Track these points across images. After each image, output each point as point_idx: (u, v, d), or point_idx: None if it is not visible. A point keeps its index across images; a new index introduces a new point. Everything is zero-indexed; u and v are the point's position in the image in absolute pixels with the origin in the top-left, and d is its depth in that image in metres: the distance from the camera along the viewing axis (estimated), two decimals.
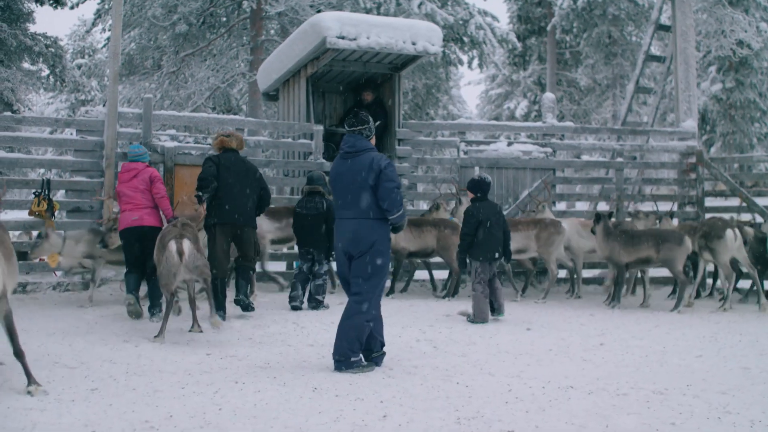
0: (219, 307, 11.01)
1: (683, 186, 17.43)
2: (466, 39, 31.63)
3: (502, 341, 10.18)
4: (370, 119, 8.70)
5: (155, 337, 9.68)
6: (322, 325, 11.01)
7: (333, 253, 11.80)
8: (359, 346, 8.32)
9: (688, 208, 17.26)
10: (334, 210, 8.65)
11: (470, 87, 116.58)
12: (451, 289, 14.55)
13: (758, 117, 41.95)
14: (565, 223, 14.57)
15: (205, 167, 11.32)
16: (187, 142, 15.34)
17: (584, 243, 14.95)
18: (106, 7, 30.11)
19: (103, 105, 15.09)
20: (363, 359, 8.38)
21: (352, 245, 8.36)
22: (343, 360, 8.22)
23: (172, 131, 15.95)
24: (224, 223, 11.39)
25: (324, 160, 15.54)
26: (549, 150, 16.89)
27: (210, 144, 14.38)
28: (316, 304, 12.77)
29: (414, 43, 15.59)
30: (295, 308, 12.61)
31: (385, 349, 8.61)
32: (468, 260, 12.41)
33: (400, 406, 6.83)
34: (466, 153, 16.51)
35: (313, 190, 13.16)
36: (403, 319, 11.49)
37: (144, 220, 11.67)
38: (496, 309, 12.32)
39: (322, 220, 12.93)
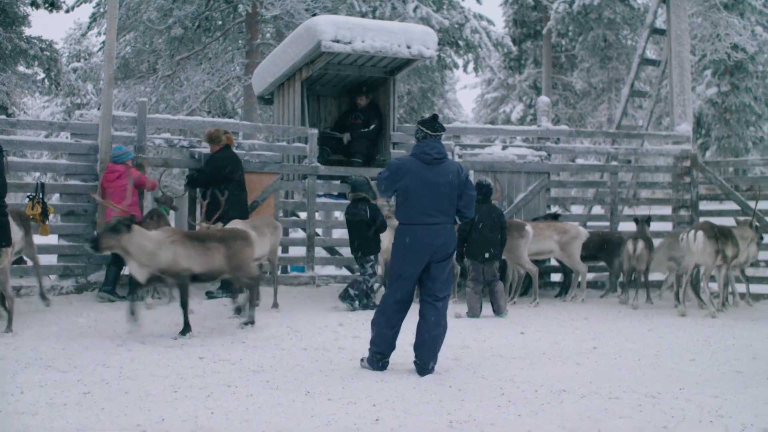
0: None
1: (678, 190, 17.44)
2: (461, 43, 31.61)
3: (496, 344, 10.20)
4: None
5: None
6: (316, 328, 11.00)
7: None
8: None
9: (683, 212, 17.27)
10: (407, 213, 8.53)
11: (466, 91, 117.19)
12: None
13: (753, 121, 42.01)
14: (528, 226, 14.58)
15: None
16: (182, 146, 15.34)
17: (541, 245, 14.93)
18: (102, 10, 30.09)
19: (98, 108, 15.04)
20: None
21: (441, 250, 8.45)
22: (433, 366, 8.42)
23: (167, 135, 15.96)
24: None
25: (318, 164, 15.55)
26: (544, 154, 16.88)
27: (203, 146, 14.47)
28: (344, 295, 13.28)
29: (409, 47, 15.59)
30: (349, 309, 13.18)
31: None
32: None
33: (392, 410, 6.83)
34: (461, 157, 16.49)
35: (356, 197, 13.45)
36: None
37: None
38: (495, 310, 13.07)
39: (364, 227, 13.30)
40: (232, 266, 10.64)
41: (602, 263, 16.28)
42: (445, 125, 15.68)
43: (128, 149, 13.68)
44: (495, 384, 7.84)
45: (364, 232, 13.22)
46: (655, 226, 16.08)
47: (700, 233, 13.37)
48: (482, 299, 13.18)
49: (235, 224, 12.11)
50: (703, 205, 18.02)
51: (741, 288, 15.44)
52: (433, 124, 8.63)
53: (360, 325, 11.01)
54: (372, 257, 13.44)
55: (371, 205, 13.35)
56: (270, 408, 6.81)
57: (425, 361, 8.32)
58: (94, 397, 7.04)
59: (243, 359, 8.91)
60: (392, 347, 8.53)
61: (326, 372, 8.29)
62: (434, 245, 8.37)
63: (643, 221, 15.00)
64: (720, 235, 13.57)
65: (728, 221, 15.57)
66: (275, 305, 12.80)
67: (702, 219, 16.57)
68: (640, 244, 14.56)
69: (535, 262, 14.82)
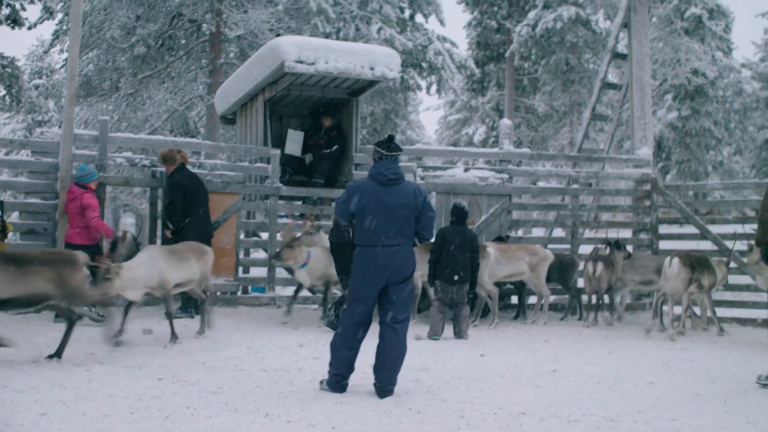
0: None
1: (638, 213, 17.54)
2: (424, 64, 31.74)
3: (456, 367, 10.20)
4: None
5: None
6: (276, 349, 10.97)
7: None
8: None
9: (643, 235, 17.37)
10: (365, 236, 8.56)
11: (429, 112, 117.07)
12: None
13: (713, 145, 42.47)
14: (491, 248, 14.62)
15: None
16: (143, 165, 15.28)
17: (501, 269, 14.95)
18: (65, 27, 29.95)
19: (60, 126, 14.98)
20: None
21: (399, 272, 8.44)
22: (393, 388, 8.40)
23: (128, 154, 15.86)
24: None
25: (281, 185, 15.51)
26: (506, 176, 16.92)
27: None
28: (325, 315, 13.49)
29: (372, 68, 15.61)
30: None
31: None
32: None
33: (351, 431, 6.82)
34: (422, 178, 16.51)
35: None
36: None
37: (73, 238, 12.82)
38: (456, 333, 13.12)
39: (350, 248, 13.13)
40: (61, 292, 9.98)
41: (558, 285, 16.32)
42: (407, 147, 15.72)
43: (92, 169, 13.38)
44: (455, 407, 7.84)
45: (348, 255, 13.14)
46: None
47: (676, 260, 13.59)
48: (445, 320, 13.20)
49: (150, 249, 11.86)
50: (663, 229, 18.14)
51: (699, 311, 15.51)
52: (389, 145, 8.63)
53: (320, 346, 10.97)
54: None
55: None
56: (229, 430, 6.78)
57: (385, 383, 8.30)
58: (51, 419, 6.98)
59: (202, 380, 8.85)
60: (351, 369, 8.50)
61: (286, 394, 8.26)
62: (392, 267, 8.36)
63: (614, 245, 15.13)
64: (696, 264, 13.77)
65: (688, 245, 15.72)
66: (201, 331, 12.00)
67: (670, 243, 16.82)
68: (600, 266, 14.68)
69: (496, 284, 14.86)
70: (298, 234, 13.62)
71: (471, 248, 13.26)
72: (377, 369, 8.39)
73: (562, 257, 15.94)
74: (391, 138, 8.78)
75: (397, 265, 8.40)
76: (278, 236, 15.32)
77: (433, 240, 12.18)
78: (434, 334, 12.87)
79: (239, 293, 15.77)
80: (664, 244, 17.17)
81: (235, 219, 15.17)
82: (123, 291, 10.67)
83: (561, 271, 15.69)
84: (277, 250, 13.71)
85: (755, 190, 19.30)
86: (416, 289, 14.19)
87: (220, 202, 14.80)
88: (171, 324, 11.36)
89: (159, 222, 14.75)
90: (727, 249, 15.63)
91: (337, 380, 8.43)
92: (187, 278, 11.81)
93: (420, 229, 8.59)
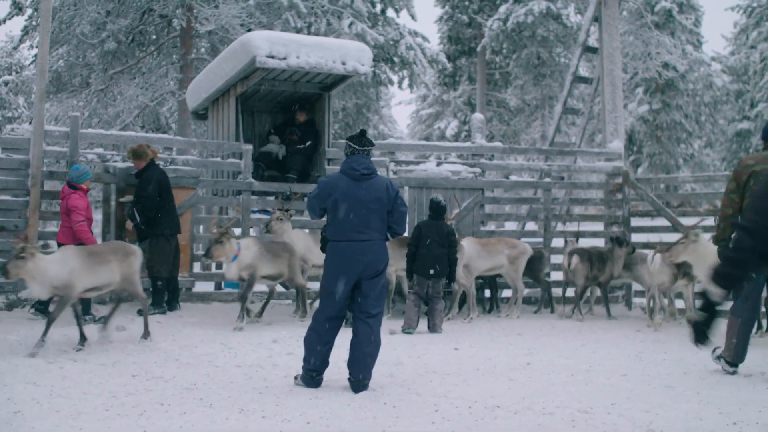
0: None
1: (610, 206, 17.60)
2: (396, 59, 31.76)
3: (430, 361, 10.21)
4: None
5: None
6: (250, 345, 10.95)
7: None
8: None
9: (615, 228, 17.45)
10: (337, 230, 8.52)
11: (401, 107, 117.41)
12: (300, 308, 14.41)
13: (684, 138, 42.79)
14: (464, 242, 14.66)
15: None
16: (115, 161, 15.20)
17: (482, 263, 15.02)
18: (34, 23, 29.75)
19: (30, 123, 14.88)
20: None
21: (371, 266, 8.42)
22: (367, 383, 8.41)
23: (100, 150, 15.79)
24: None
25: (253, 180, 15.47)
26: (478, 170, 16.93)
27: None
28: None
29: (344, 63, 15.60)
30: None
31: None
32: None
33: (326, 427, 6.82)
34: (395, 173, 16.52)
35: None
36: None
37: (59, 237, 12.87)
38: (430, 327, 13.13)
39: None
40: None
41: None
42: (380, 141, 15.72)
43: (85, 169, 13.05)
44: (429, 400, 7.85)
45: None
46: (585, 242, 16.32)
47: (658, 256, 13.71)
48: (420, 314, 13.24)
49: (66, 249, 10.81)
50: (635, 222, 18.21)
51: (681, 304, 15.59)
52: (360, 140, 8.64)
53: (294, 341, 10.97)
54: None
55: None
56: (203, 426, 6.76)
57: (359, 378, 8.31)
58: (25, 416, 6.94)
59: (176, 377, 8.83)
60: (326, 364, 8.50)
61: (260, 389, 8.24)
62: (363, 261, 8.37)
63: (615, 240, 15.25)
64: None
65: (660, 237, 15.82)
66: (146, 335, 11.21)
67: (642, 236, 16.94)
68: (575, 259, 14.75)
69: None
70: (224, 227, 13.10)
71: (448, 243, 13.28)
72: (351, 364, 8.39)
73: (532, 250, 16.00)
74: (363, 133, 8.79)
75: (370, 259, 8.40)
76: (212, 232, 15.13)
77: (406, 234, 12.24)
78: (408, 327, 12.89)
79: (212, 289, 15.75)
80: (636, 237, 17.24)
81: (190, 214, 15.06)
82: (31, 280, 10.16)
83: (531, 264, 15.72)
84: (207, 247, 12.89)
85: (726, 183, 19.40)
86: (390, 284, 14.19)
87: (176, 198, 14.51)
88: (145, 321, 11.29)
89: (113, 218, 14.63)
90: None
91: (312, 375, 8.43)
92: (104, 282, 10.94)
93: (392, 224, 8.59)
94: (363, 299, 8.47)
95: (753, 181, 9.25)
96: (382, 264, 8.52)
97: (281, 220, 13.96)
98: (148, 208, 13.54)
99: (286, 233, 13.96)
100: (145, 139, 14.98)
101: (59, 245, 12.25)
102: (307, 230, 14.95)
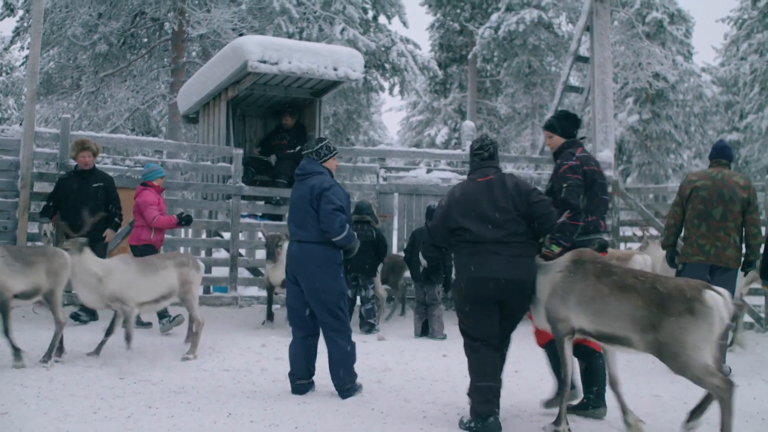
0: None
1: None
2: (387, 66, 31.79)
3: (419, 367, 10.22)
4: (326, 141, 8.76)
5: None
6: (239, 349, 10.94)
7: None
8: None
9: (604, 237, 17.44)
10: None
11: (392, 113, 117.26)
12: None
13: (674, 148, 42.82)
14: None
15: None
16: (105, 164, 15.18)
17: None
18: (25, 24, 29.71)
19: (20, 124, 14.85)
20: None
21: (298, 268, 8.33)
22: (349, 388, 8.40)
23: None
24: None
25: (243, 185, 15.45)
26: None
27: (127, 166, 14.19)
28: (369, 327, 13.31)
29: (335, 69, 15.62)
30: None
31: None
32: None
33: (315, 431, 6.82)
34: (385, 179, 16.53)
35: (361, 219, 13.51)
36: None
37: (131, 239, 12.63)
38: (429, 333, 13.26)
39: (371, 247, 13.38)
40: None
41: None
42: (370, 148, 15.77)
43: (156, 167, 12.85)
44: (418, 407, 7.87)
45: (368, 254, 13.22)
46: None
47: (647, 257, 13.92)
48: (422, 321, 13.37)
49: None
50: (624, 231, 18.25)
51: None
52: (309, 143, 8.77)
53: (282, 347, 10.92)
54: (373, 280, 13.67)
55: (375, 228, 13.65)
56: (191, 429, 6.76)
57: (337, 384, 8.32)
58: (12, 418, 6.93)
59: (164, 380, 8.83)
60: (305, 371, 8.51)
61: (248, 394, 8.25)
62: (294, 261, 8.38)
63: (599, 246, 15.25)
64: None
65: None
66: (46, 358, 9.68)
67: (632, 246, 16.97)
68: None
69: None
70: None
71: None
72: (329, 370, 8.41)
73: None
74: (317, 140, 8.80)
75: (298, 261, 8.34)
76: (259, 235, 15.28)
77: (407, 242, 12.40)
78: (416, 335, 13.22)
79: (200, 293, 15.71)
80: (624, 247, 17.27)
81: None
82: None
83: None
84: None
85: None
86: (380, 299, 14.23)
87: (130, 200, 13.92)
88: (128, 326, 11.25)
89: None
90: None
91: (291, 380, 8.44)
92: (30, 287, 9.64)
93: (321, 224, 8.30)
94: (312, 305, 8.45)
95: (693, 194, 10.03)
96: (310, 268, 8.30)
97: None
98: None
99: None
100: (135, 142, 14.97)
101: (131, 248, 12.39)
102: None
